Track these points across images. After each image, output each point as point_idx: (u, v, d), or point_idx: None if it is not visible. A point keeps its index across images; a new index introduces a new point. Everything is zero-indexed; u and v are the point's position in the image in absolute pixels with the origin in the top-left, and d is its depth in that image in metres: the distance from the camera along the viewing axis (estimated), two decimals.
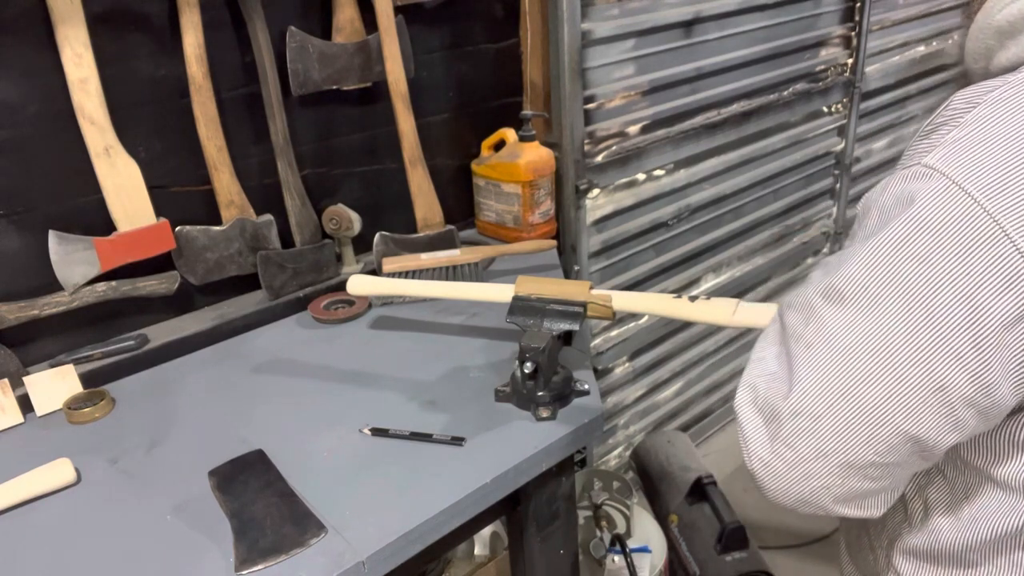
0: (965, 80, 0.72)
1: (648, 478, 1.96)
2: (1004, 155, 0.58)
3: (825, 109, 2.32)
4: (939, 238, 0.58)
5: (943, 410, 0.60)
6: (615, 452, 2.15)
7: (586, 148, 1.70)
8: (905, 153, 0.66)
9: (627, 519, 1.66)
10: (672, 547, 1.75)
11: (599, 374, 1.99)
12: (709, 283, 2.20)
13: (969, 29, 0.69)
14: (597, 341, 1.95)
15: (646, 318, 2.04)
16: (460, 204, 1.63)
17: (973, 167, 0.58)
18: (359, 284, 1.20)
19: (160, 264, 1.25)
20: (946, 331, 0.58)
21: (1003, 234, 0.57)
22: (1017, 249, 0.56)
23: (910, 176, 0.62)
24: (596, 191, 1.77)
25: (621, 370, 2.05)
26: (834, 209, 2.51)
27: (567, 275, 1.74)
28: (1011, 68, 0.65)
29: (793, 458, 0.64)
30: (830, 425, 0.63)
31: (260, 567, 0.81)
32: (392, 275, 1.31)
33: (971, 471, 0.70)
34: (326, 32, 1.36)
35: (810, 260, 2.52)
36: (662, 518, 1.81)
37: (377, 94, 1.44)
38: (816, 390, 0.63)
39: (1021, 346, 0.58)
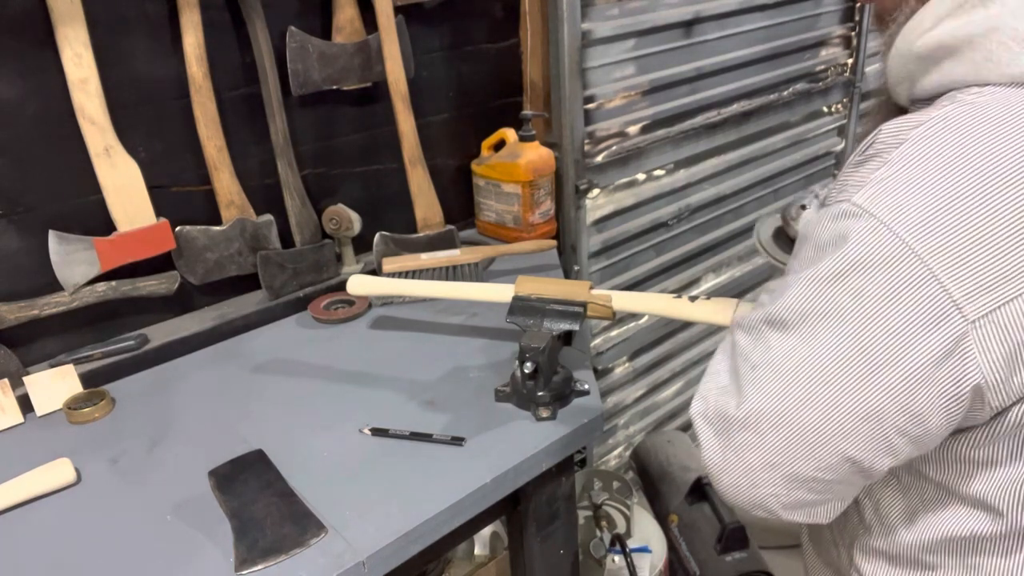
0: (889, 104, 0.74)
1: (648, 478, 1.96)
2: (929, 197, 0.58)
3: (825, 109, 2.32)
4: (870, 276, 0.60)
5: (876, 436, 0.63)
6: (615, 452, 2.15)
7: (586, 148, 1.70)
8: (839, 178, 0.67)
9: (627, 519, 1.66)
10: (672, 547, 1.75)
11: (599, 374, 1.99)
12: (709, 283, 2.20)
13: (889, 54, 0.70)
14: (597, 341, 1.95)
15: (646, 318, 2.04)
16: (460, 204, 1.63)
17: (900, 208, 0.59)
18: (359, 284, 1.20)
19: (160, 264, 1.25)
20: (877, 365, 0.61)
21: (930, 274, 0.58)
22: (943, 289, 0.57)
23: (842, 213, 0.63)
24: (596, 191, 1.77)
25: (621, 370, 2.05)
26: None
27: (567, 275, 1.74)
28: (935, 94, 0.66)
29: (743, 467, 0.68)
30: (774, 441, 0.66)
31: (260, 567, 0.81)
32: (392, 275, 1.31)
33: (923, 479, 0.72)
34: (326, 32, 1.36)
35: None
36: (662, 518, 1.81)
37: (377, 94, 1.44)
38: (760, 409, 0.66)
39: (949, 381, 0.60)
